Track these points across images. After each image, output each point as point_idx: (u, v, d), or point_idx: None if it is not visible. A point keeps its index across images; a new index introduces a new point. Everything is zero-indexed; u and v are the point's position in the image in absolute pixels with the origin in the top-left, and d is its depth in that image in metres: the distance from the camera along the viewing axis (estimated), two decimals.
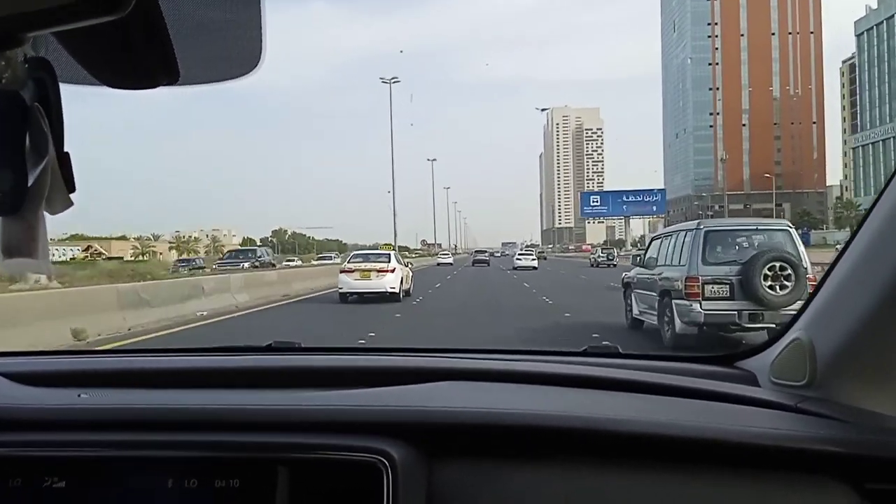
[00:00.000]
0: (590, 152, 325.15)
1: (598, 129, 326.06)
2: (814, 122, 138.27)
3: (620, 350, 1.54)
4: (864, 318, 1.02)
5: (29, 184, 0.53)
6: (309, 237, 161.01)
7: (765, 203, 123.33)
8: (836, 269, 1.11)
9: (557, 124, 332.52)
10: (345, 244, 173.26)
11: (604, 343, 1.27)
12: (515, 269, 41.53)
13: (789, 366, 1.18)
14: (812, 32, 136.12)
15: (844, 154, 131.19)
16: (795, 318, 1.22)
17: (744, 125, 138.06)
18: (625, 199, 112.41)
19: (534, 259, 46.04)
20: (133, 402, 1.11)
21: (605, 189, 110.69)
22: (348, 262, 17.91)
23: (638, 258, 11.12)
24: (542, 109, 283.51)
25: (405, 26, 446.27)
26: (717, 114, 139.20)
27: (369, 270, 16.78)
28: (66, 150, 0.55)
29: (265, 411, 1.05)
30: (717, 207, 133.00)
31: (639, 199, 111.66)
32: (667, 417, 1.04)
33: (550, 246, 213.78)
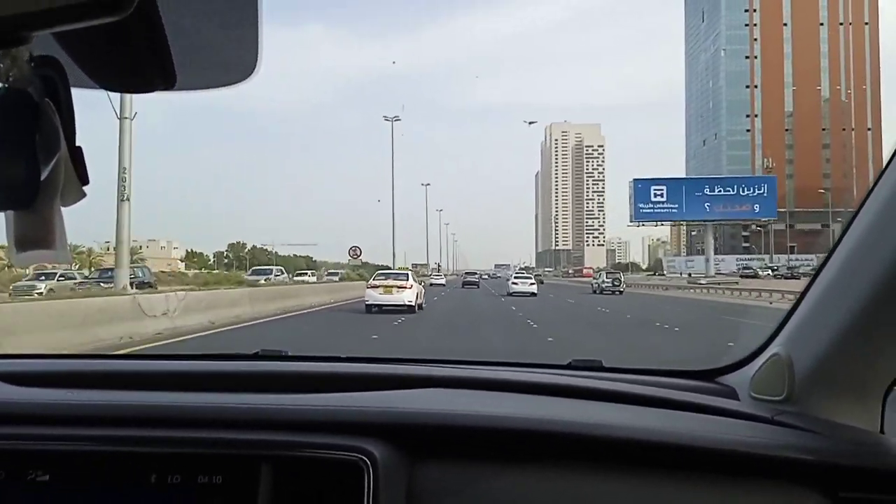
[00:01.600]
0: (590, 170, 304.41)
1: (599, 146, 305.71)
2: (869, 129, 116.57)
3: (604, 364, 1.55)
4: (841, 334, 1.04)
5: (42, 178, 0.54)
6: (273, 252, 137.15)
7: (811, 223, 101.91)
8: (814, 286, 1.12)
9: (556, 140, 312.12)
10: (314, 261, 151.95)
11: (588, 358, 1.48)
12: (511, 295, 33.95)
13: (768, 381, 1.20)
14: (867, 23, 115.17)
15: None
16: (775, 334, 1.23)
17: (787, 130, 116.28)
18: (709, 190, 71.03)
19: (532, 284, 37.03)
20: (119, 400, 1.11)
21: (665, 178, 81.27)
22: (374, 280, 21.13)
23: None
24: (531, 122, 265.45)
25: (398, 49, 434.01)
26: (756, 116, 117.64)
27: (391, 286, 19.70)
28: (77, 144, 0.56)
29: (249, 410, 1.06)
30: (754, 227, 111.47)
31: (731, 191, 71.23)
32: (646, 425, 1.05)
33: (549, 269, 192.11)
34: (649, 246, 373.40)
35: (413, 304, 19.51)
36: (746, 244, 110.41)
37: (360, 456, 0.95)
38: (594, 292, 40.26)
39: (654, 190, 74.37)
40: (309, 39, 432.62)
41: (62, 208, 0.57)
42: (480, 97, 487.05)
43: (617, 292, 39.02)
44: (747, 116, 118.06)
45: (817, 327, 1.10)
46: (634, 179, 77.37)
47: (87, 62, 0.53)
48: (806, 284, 1.16)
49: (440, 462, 1.01)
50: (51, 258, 0.58)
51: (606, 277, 43.06)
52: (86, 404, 1.09)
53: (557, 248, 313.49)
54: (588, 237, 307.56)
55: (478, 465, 1.00)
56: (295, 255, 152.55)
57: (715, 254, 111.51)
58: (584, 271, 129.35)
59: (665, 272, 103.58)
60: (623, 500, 0.97)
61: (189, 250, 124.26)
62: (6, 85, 0.53)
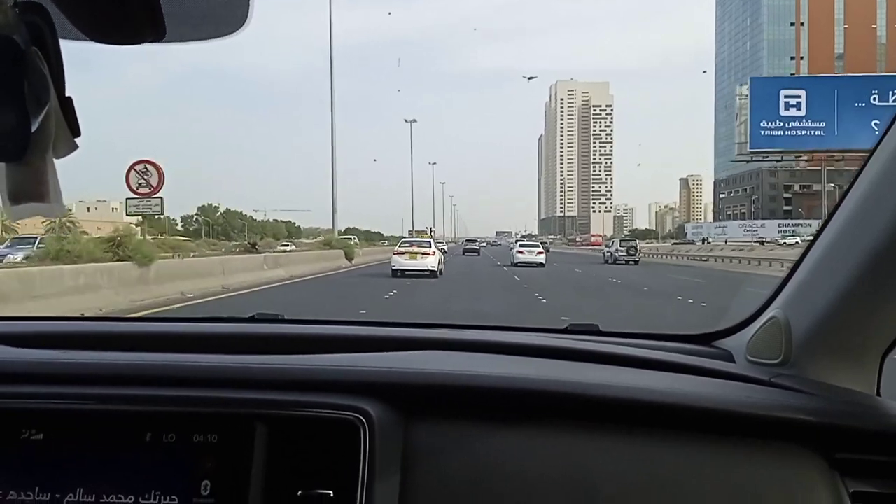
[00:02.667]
0: (597, 132, 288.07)
1: (607, 105, 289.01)
2: None
3: (601, 328, 1.56)
4: (838, 298, 1.04)
5: (32, 129, 0.53)
6: (247, 217, 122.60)
7: None
8: (812, 250, 1.13)
9: (562, 100, 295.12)
10: (298, 227, 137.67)
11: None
12: (516, 265, 29.28)
13: (765, 344, 1.20)
14: None
15: None
16: (772, 297, 1.23)
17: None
18: (879, 97, 42.00)
19: (540, 253, 31.30)
20: (114, 360, 1.11)
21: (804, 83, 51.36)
22: (400, 246, 22.86)
23: None
24: (530, 78, 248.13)
25: (396, 13, 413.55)
26: (802, 58, 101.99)
27: (416, 253, 21.42)
28: (67, 94, 0.55)
29: (245, 369, 1.06)
30: (797, 188, 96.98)
31: None
32: (642, 385, 1.06)
33: (553, 237, 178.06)
34: (656, 213, 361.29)
35: (436, 269, 21.10)
36: (788, 207, 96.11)
37: (355, 415, 0.95)
38: (606, 262, 36.46)
39: (787, 98, 46.32)
40: (299, 1, 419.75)
41: (55, 160, 0.56)
42: (480, 60, 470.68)
43: (632, 262, 34.90)
44: (791, 59, 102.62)
45: (815, 291, 1.10)
46: (753, 79, 54.99)
47: (74, 12, 0.52)
48: (804, 249, 1.17)
49: (436, 422, 1.01)
50: (45, 211, 0.57)
51: (620, 246, 38.04)
52: (80, 363, 1.09)
53: (562, 214, 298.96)
54: (595, 203, 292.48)
55: (473, 425, 1.01)
56: (276, 221, 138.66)
57: (752, 218, 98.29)
58: (593, 239, 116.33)
59: (691, 240, 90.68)
60: (619, 460, 0.98)
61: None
62: None
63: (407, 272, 20.49)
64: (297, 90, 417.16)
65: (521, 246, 34.12)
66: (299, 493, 0.93)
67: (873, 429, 0.99)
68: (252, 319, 1.58)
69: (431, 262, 21.01)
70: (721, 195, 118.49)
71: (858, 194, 1.01)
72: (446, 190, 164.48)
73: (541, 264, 29.77)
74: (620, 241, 41.33)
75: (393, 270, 20.99)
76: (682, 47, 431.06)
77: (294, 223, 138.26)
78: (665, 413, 1.01)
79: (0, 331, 1.29)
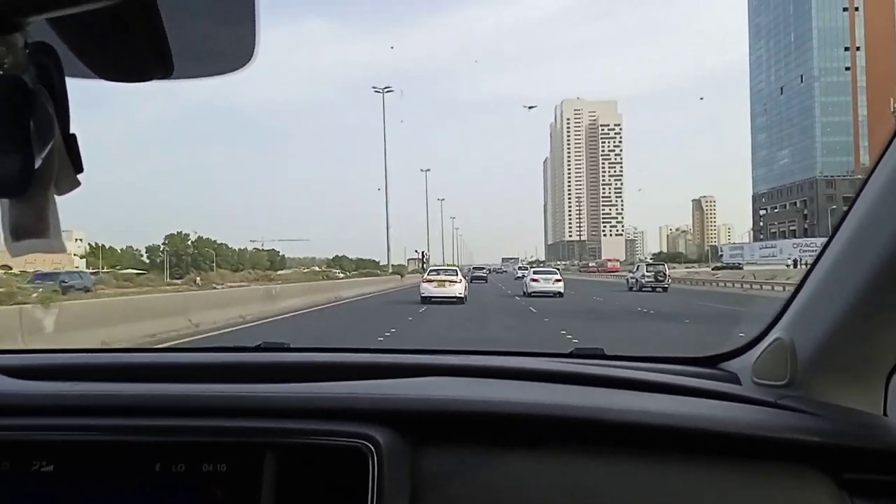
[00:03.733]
0: (606, 152, 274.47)
1: (615, 125, 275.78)
2: None
3: (606, 352, 1.57)
4: (843, 318, 1.04)
5: (35, 166, 0.53)
6: (221, 246, 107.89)
7: None
8: (815, 270, 1.13)
9: (568, 120, 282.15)
10: (282, 257, 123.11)
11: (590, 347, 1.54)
12: (530, 295, 25.84)
13: (771, 365, 1.21)
14: None
15: None
16: (777, 318, 1.24)
17: None
18: None
19: (557, 281, 27.32)
20: (122, 391, 1.12)
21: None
22: (428, 275, 24.23)
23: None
24: (530, 107, 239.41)
25: (399, 44, 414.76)
26: (858, 49, 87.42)
27: (444, 281, 22.80)
28: (71, 132, 0.56)
29: (252, 398, 1.06)
30: None
31: None
32: (649, 409, 1.06)
33: (563, 263, 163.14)
34: (668, 236, 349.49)
35: (462, 296, 22.32)
36: None
37: (363, 442, 0.95)
38: (630, 289, 32.59)
39: None
40: (305, 35, 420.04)
41: (56, 197, 0.57)
42: (482, 89, 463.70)
43: (660, 289, 30.79)
44: (846, 49, 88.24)
45: (819, 311, 1.10)
46: None
47: (83, 50, 0.53)
48: (807, 269, 1.17)
49: (443, 448, 1.01)
50: (45, 248, 0.57)
51: (647, 271, 33.29)
52: (89, 395, 1.09)
53: (570, 238, 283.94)
54: (605, 226, 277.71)
55: (481, 450, 1.00)
56: (257, 250, 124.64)
57: (804, 236, 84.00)
58: (610, 265, 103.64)
59: (726, 263, 76.08)
60: (626, 484, 0.97)
61: (94, 244, 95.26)
62: (0, 72, 0.52)
63: (436, 299, 21.72)
64: (296, 123, 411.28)
65: (535, 273, 29.55)
66: None
67: (881, 449, 0.99)
68: (258, 348, 1.60)
69: (459, 289, 22.43)
70: (762, 211, 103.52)
71: (859, 214, 1.02)
72: (449, 215, 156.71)
73: (559, 294, 26.12)
74: (647, 265, 36.79)
75: (422, 297, 22.16)
76: (684, 69, 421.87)
77: (278, 253, 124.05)
78: (672, 436, 1.00)
79: (8, 364, 1.28)
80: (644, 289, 31.39)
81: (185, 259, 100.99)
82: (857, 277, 1.01)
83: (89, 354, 1.57)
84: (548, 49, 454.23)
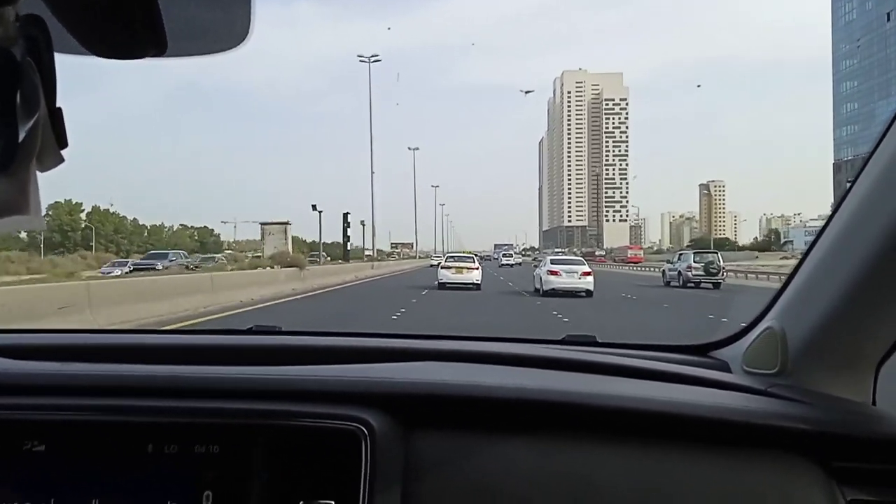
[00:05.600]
0: (610, 129, 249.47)
1: (621, 99, 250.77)
2: None
3: (598, 339, 1.58)
4: (833, 308, 1.05)
5: (19, 139, 0.52)
6: (131, 222, 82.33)
7: None
8: (807, 260, 1.14)
9: (569, 93, 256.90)
10: (217, 237, 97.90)
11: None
12: (546, 294, 19.26)
13: (761, 354, 1.22)
14: None
15: None
16: (768, 307, 1.25)
17: None
18: None
19: (586, 274, 19.73)
20: (114, 371, 1.12)
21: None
22: (445, 261, 25.62)
23: None
24: (527, 92, 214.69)
25: (392, 28, 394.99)
26: None
27: (461, 268, 23.38)
28: (58, 105, 0.54)
29: (246, 380, 1.06)
30: None
31: None
32: (640, 395, 1.07)
33: (560, 250, 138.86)
34: (671, 223, 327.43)
35: (479, 282, 22.60)
36: None
37: (357, 425, 0.96)
38: (668, 284, 26.04)
39: None
40: (297, 17, 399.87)
41: (41, 173, 0.55)
42: (477, 73, 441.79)
43: (710, 285, 23.81)
44: None
45: (810, 301, 1.11)
46: None
47: (76, 26, 0.51)
48: (799, 259, 1.17)
49: (436, 432, 1.02)
50: (25, 224, 0.56)
51: (695, 261, 24.90)
52: (81, 374, 1.09)
53: (569, 224, 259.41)
54: (608, 211, 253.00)
55: (473, 434, 1.01)
56: (184, 227, 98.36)
57: None
58: (630, 254, 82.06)
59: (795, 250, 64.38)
60: (616, 469, 0.98)
61: None
62: None
63: (452, 285, 22.05)
64: (284, 105, 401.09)
65: (554, 264, 20.66)
66: (300, 503, 0.93)
67: (869, 437, 1.00)
68: (250, 331, 1.59)
69: (476, 275, 22.73)
70: (847, 183, 79.04)
71: (852, 205, 1.02)
72: (439, 201, 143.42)
73: (588, 292, 19.13)
74: (695, 254, 26.45)
75: (440, 283, 22.57)
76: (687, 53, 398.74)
77: (212, 232, 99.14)
78: (662, 422, 1.01)
79: (1, 343, 1.28)
80: (688, 284, 24.37)
81: (73, 236, 76.07)
82: (848, 268, 1.01)
83: (80, 335, 1.57)
84: (547, 35, 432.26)
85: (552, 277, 19.67)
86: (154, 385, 1.05)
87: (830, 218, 1.08)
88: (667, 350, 1.47)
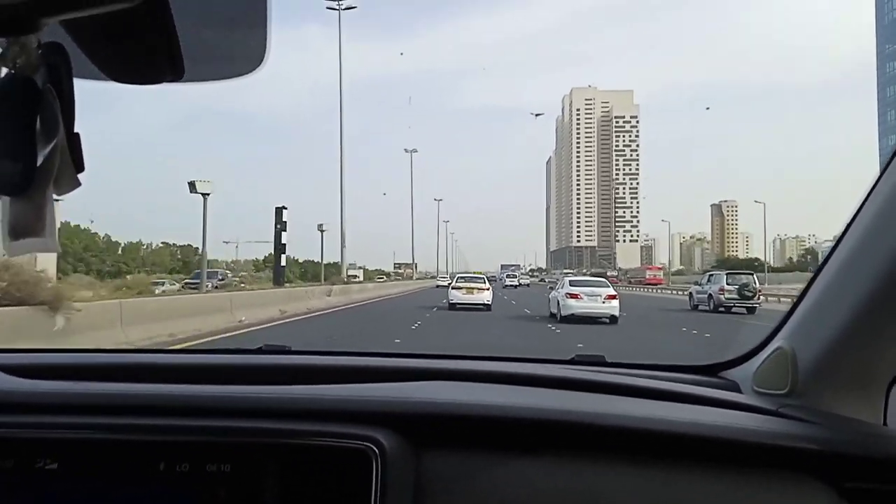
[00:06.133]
0: (621, 147, 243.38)
1: (631, 116, 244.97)
2: None
3: (607, 359, 1.57)
4: (845, 328, 1.05)
5: (38, 164, 0.53)
6: (91, 235, 75.97)
7: None
8: (818, 280, 1.14)
9: (578, 111, 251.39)
10: (201, 254, 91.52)
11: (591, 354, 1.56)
12: (564, 319, 17.58)
13: (771, 374, 1.21)
14: None
15: None
16: (778, 327, 1.25)
17: None
18: None
19: (611, 298, 17.83)
20: (126, 390, 1.12)
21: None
22: (456, 282, 24.86)
23: None
24: (537, 115, 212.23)
25: (401, 51, 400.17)
26: None
27: (472, 288, 23.22)
28: (76, 131, 0.55)
29: (256, 398, 1.07)
30: None
31: None
32: (650, 415, 1.06)
33: (569, 271, 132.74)
34: (681, 244, 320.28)
35: (490, 303, 22.61)
36: None
37: (368, 444, 0.95)
38: (695, 308, 24.24)
39: None
40: (304, 40, 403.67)
41: (58, 196, 0.56)
42: (484, 96, 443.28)
43: (746, 310, 21.56)
44: None
45: (821, 321, 1.10)
46: None
47: (95, 51, 0.52)
48: (810, 279, 1.17)
49: (447, 452, 1.01)
50: (41, 247, 0.56)
51: (728, 283, 22.56)
52: (93, 393, 1.09)
53: (578, 244, 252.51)
54: (618, 231, 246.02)
55: (483, 454, 1.01)
56: (166, 245, 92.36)
57: None
58: (649, 274, 76.16)
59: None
60: (626, 489, 0.98)
61: None
62: (12, 71, 0.52)
63: (462, 305, 21.99)
64: (289, 127, 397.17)
65: (574, 286, 18.61)
66: None
67: (881, 458, 0.99)
68: (260, 351, 1.59)
69: (487, 296, 22.73)
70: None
71: (863, 225, 1.02)
72: (444, 219, 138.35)
73: (612, 318, 17.23)
74: (728, 274, 23.77)
75: (450, 304, 22.72)
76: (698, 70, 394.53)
77: (197, 251, 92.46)
78: (672, 442, 1.01)
79: (13, 363, 1.29)
80: (720, 308, 22.27)
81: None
82: (860, 288, 1.01)
83: (92, 354, 1.58)
84: (556, 56, 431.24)
85: (571, 301, 17.83)
86: (166, 404, 1.05)
87: (841, 238, 1.07)
88: (676, 370, 1.46)
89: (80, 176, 0.57)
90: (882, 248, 0.97)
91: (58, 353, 1.59)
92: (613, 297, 17.85)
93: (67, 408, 1.04)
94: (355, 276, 54.61)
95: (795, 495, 0.97)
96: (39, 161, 0.53)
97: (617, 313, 17.50)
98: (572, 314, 17.38)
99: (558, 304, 18.35)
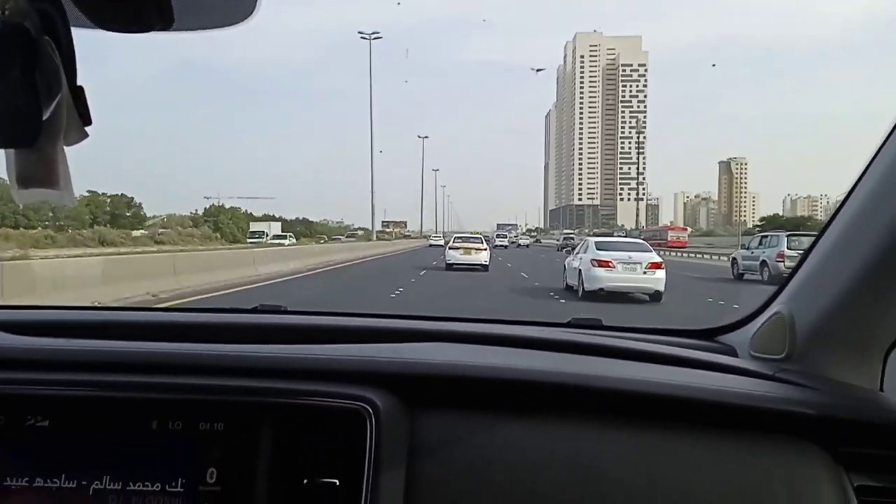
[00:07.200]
0: (627, 98, 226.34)
1: (639, 64, 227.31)
2: None
3: (604, 323, 1.57)
4: (843, 294, 1.04)
5: (44, 117, 0.53)
6: None
7: None
8: (818, 246, 1.13)
9: (582, 58, 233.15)
10: (138, 206, 75.93)
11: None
12: (586, 297, 13.45)
13: (769, 339, 1.21)
14: None
15: None
16: (777, 292, 1.24)
17: None
18: None
19: (655, 267, 13.34)
20: (120, 347, 1.12)
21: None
22: (453, 242, 24.41)
23: None
24: (538, 70, 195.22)
25: (402, 3, 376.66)
26: None
27: (470, 248, 23.03)
28: (79, 83, 0.55)
29: (252, 357, 1.06)
30: None
31: None
32: (646, 378, 1.06)
33: (569, 231, 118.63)
34: (685, 203, 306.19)
35: (487, 263, 22.54)
36: None
37: (362, 404, 0.95)
38: (740, 276, 20.35)
39: None
40: None
41: (66, 148, 0.56)
42: (480, 50, 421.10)
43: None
44: None
45: (820, 286, 1.10)
46: None
47: (84, 1, 0.52)
48: (810, 244, 1.17)
49: (441, 413, 1.01)
50: (55, 198, 0.57)
51: (791, 248, 17.95)
52: (86, 350, 1.08)
53: (580, 202, 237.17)
54: (623, 188, 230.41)
55: (478, 415, 1.01)
56: (92, 193, 77.68)
57: None
58: (672, 235, 62.61)
59: None
60: (621, 452, 0.98)
61: None
62: (2, 18, 0.52)
63: (460, 266, 22.11)
64: (283, 83, 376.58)
65: (601, 249, 14.15)
66: (305, 481, 0.93)
67: (877, 423, 0.99)
68: (255, 310, 1.59)
69: (484, 256, 22.62)
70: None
71: (864, 191, 1.01)
72: (438, 179, 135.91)
73: (656, 294, 13.49)
74: (791, 236, 19.24)
75: (447, 264, 22.48)
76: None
77: (132, 201, 76.99)
78: (668, 405, 1.01)
79: (4, 319, 1.28)
80: (772, 279, 17.30)
81: None
82: (859, 254, 1.00)
83: (86, 311, 1.57)
84: (558, 8, 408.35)
85: (600, 271, 13.43)
86: (160, 361, 1.05)
87: (843, 203, 1.06)
88: (673, 334, 1.45)
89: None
90: (884, 213, 0.96)
91: (49, 309, 1.57)
92: (658, 265, 13.67)
93: (60, 364, 1.03)
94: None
95: (790, 459, 0.97)
96: (46, 115, 0.53)
97: (662, 288, 13.46)
98: (601, 288, 13.28)
99: (580, 274, 14.01)
